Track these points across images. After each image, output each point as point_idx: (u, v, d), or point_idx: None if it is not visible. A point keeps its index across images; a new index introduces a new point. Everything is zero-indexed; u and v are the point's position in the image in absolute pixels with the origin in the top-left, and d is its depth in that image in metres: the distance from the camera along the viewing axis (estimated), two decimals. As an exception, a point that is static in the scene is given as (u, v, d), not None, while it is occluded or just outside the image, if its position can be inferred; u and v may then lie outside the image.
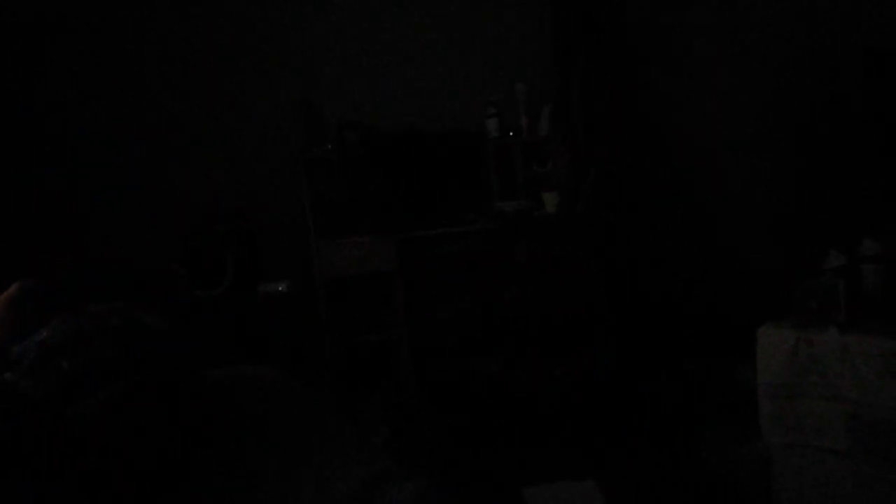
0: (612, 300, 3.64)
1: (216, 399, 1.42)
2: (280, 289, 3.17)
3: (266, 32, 3.55)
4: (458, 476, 2.51)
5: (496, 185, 3.79)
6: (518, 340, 3.59)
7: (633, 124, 3.84)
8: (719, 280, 3.65)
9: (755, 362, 2.22)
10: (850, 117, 3.03)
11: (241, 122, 3.52)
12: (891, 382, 1.94)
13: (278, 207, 3.55)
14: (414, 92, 3.81)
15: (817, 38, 3.22)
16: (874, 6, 3.01)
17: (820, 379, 2.09)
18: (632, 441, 2.80)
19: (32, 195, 3.18)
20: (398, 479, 1.04)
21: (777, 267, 3.15)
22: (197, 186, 3.43)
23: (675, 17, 3.74)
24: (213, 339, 2.49)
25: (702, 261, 3.74)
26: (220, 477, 1.08)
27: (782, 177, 3.44)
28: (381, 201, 3.50)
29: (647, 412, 3.07)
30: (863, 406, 2.01)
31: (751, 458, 2.42)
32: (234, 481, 1.06)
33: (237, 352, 2.64)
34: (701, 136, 3.74)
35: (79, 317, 1.24)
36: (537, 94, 3.87)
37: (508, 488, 2.43)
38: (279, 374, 1.73)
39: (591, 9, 3.81)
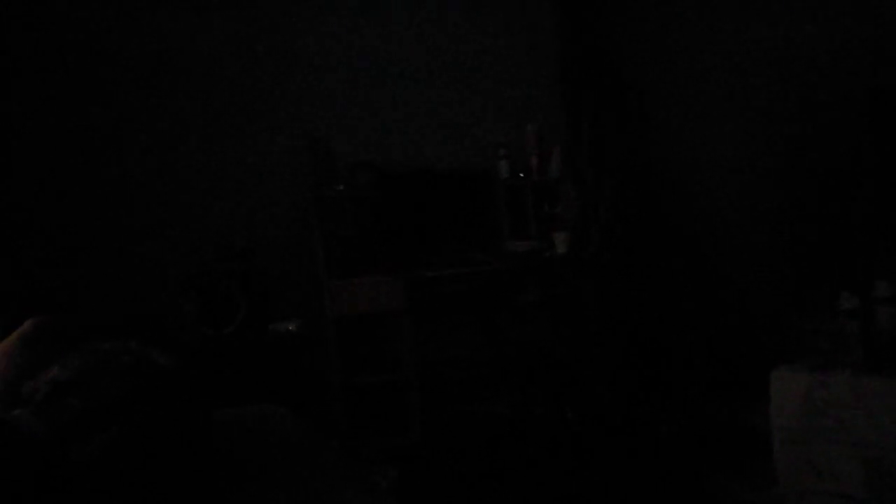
0: (622, 341, 3.62)
1: (223, 439, 1.41)
2: (290, 328, 3.17)
3: (277, 70, 3.61)
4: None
5: (507, 225, 3.81)
6: (527, 381, 3.56)
7: (639, 164, 3.86)
8: (728, 321, 3.62)
9: (767, 405, 2.19)
10: (859, 157, 3.04)
11: (252, 160, 3.56)
12: (908, 427, 1.91)
13: (288, 246, 3.57)
14: (425, 132, 3.86)
15: (823, 77, 3.25)
16: (879, 46, 3.04)
17: (835, 423, 2.06)
18: (643, 486, 2.75)
19: (42, 230, 3.21)
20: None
21: (784, 308, 3.13)
22: (206, 224, 3.46)
23: (680, 57, 3.80)
24: (221, 379, 2.48)
25: (709, 301, 3.71)
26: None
27: (789, 217, 3.44)
28: (391, 241, 3.52)
29: (657, 456, 3.02)
30: (880, 451, 1.97)
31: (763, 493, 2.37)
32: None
33: (245, 391, 2.63)
34: (707, 175, 3.76)
35: (89, 354, 1.25)
36: (548, 135, 3.91)
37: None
38: (286, 415, 1.72)
39: (596, 51, 3.87)
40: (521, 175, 3.83)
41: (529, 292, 3.60)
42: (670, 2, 3.84)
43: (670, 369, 3.56)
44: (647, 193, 3.85)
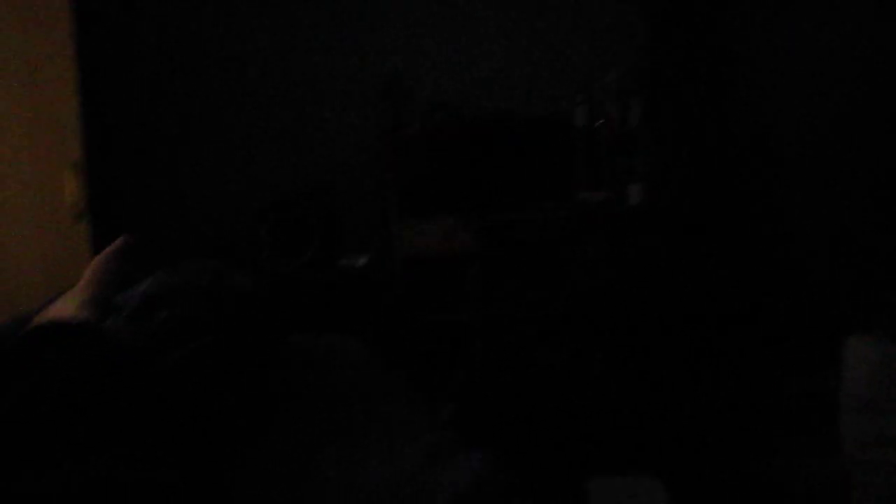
0: (692, 298, 3.55)
1: (296, 361, 1.48)
2: (359, 264, 3.24)
3: (359, 6, 3.61)
4: (521, 461, 2.52)
5: (581, 174, 3.75)
6: (591, 332, 3.55)
7: (722, 121, 3.71)
8: (804, 287, 3.50)
9: (836, 374, 2.13)
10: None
11: (332, 96, 3.61)
12: None
13: (362, 183, 3.63)
14: (503, 74, 3.80)
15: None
16: None
17: (910, 396, 1.99)
18: (701, 445, 2.74)
19: (135, 158, 3.36)
20: (463, 451, 1.06)
21: (864, 276, 3.00)
22: (284, 158, 3.55)
23: (773, 15, 3.58)
24: (292, 307, 2.58)
25: (785, 266, 3.59)
26: (294, 434, 1.13)
27: (868, 187, 3.27)
28: (463, 184, 3.52)
29: (718, 417, 2.99)
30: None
31: (828, 473, 2.33)
32: (308, 439, 1.11)
33: (314, 321, 2.73)
34: (788, 141, 3.59)
35: (176, 272, 1.32)
36: (629, 85, 3.78)
37: (571, 478, 2.43)
38: (356, 344, 1.79)
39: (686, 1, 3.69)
40: (599, 123, 3.74)
41: (599, 243, 3.56)
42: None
43: (739, 329, 3.48)
44: (727, 152, 3.71)
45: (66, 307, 1.38)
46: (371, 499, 0.94)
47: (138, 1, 3.35)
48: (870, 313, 2.28)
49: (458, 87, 3.74)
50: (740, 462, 2.58)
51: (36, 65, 2.49)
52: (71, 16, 2.53)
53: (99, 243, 2.55)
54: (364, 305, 3.23)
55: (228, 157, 3.50)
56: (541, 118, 3.71)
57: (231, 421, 1.02)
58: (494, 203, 3.50)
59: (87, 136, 2.58)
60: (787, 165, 3.64)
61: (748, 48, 3.67)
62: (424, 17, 3.70)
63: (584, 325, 3.57)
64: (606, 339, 3.54)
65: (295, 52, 3.55)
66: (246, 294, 1.24)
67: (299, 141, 3.58)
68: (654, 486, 2.45)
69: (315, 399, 1.31)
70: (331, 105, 3.61)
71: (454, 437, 1.16)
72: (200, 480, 0.60)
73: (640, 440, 2.80)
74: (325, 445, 1.09)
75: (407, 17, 3.68)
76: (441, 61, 3.73)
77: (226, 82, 3.47)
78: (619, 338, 3.55)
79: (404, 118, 3.55)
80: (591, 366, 3.52)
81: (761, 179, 3.71)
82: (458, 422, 2.78)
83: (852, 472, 2.14)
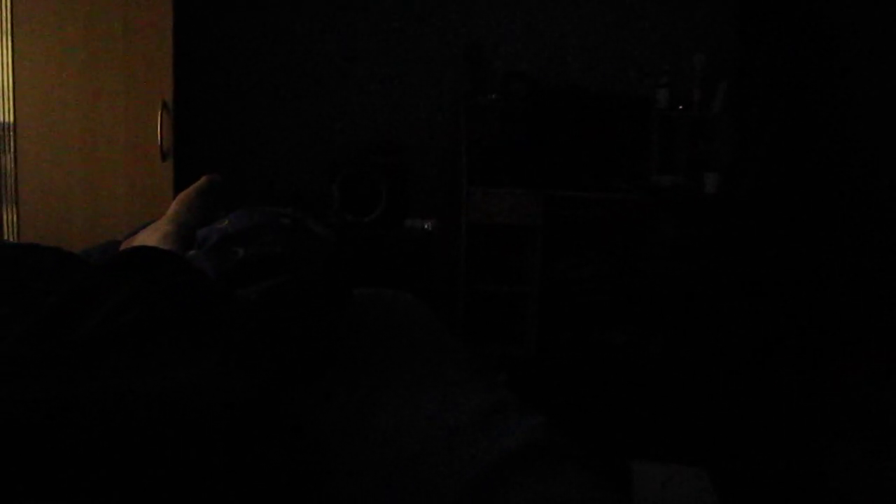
0: (761, 291, 3.46)
1: (359, 309, 1.53)
2: (425, 226, 3.28)
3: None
4: (567, 433, 2.53)
5: (656, 157, 3.67)
6: (650, 316, 3.51)
7: (813, 115, 3.55)
8: (881, 289, 3.35)
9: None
10: None
11: (410, 62, 3.62)
12: None
13: (435, 147, 3.65)
14: (584, 49, 3.74)
15: None
16: None
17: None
18: (754, 440, 2.69)
19: (227, 107, 3.46)
20: (518, 412, 1.08)
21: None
22: (358, 117, 3.60)
23: (873, 3, 3.39)
24: (358, 261, 2.64)
25: (863, 267, 3.44)
26: (355, 376, 1.18)
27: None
28: (535, 156, 3.50)
29: (776, 413, 2.92)
30: None
31: (885, 483, 2.26)
32: (367, 380, 1.15)
33: (377, 278, 2.78)
34: (882, 136, 3.41)
35: (255, 212, 1.38)
36: (715, 69, 3.67)
37: (617, 457, 2.43)
38: (417, 301, 1.82)
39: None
40: (681, 107, 3.64)
41: (669, 228, 3.50)
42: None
43: (807, 327, 3.38)
44: (814, 146, 3.56)
45: (150, 237, 1.45)
46: (423, 446, 0.97)
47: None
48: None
49: (538, 59, 3.70)
50: (792, 461, 2.53)
51: (135, 10, 2.59)
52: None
53: (180, 181, 2.66)
54: (427, 267, 3.27)
55: (307, 112, 3.57)
56: (620, 96, 3.64)
57: (300, 354, 1.07)
58: (565, 178, 3.47)
59: (178, 79, 2.67)
60: (879, 164, 3.47)
61: (844, 37, 3.49)
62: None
63: (646, 306, 3.53)
64: (667, 323, 3.50)
65: (379, 16, 3.57)
66: (321, 240, 1.28)
67: (377, 101, 3.62)
68: (699, 475, 2.43)
69: (375, 345, 1.35)
70: (411, 69, 3.63)
71: (509, 397, 1.18)
72: (274, 401, 0.64)
73: (691, 427, 2.77)
74: (383, 388, 1.13)
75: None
76: (522, 32, 3.69)
77: (313, 39, 3.53)
78: (681, 323, 3.50)
79: (482, 86, 3.54)
80: (649, 348, 3.48)
81: (849, 175, 3.56)
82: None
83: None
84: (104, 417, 0.49)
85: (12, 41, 2.53)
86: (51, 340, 0.73)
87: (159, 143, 2.65)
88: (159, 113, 2.65)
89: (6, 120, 2.56)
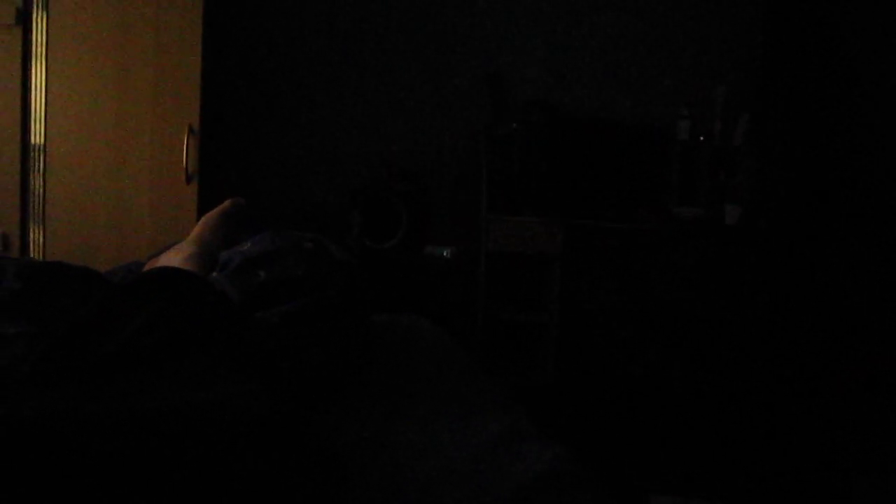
0: (783, 324, 3.41)
1: (378, 333, 1.53)
2: (444, 254, 3.29)
3: (460, 7, 3.65)
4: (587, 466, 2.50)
5: (676, 188, 3.66)
6: (669, 348, 3.47)
7: (838, 147, 3.53)
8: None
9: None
10: None
11: (430, 90, 3.66)
12: None
13: (454, 175, 3.67)
14: (604, 78, 3.76)
15: None
16: None
17: None
18: (775, 475, 2.63)
19: (247, 133, 3.52)
20: (537, 440, 1.07)
21: None
22: (380, 143, 3.63)
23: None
24: (377, 287, 2.64)
25: (889, 300, 3.39)
26: (374, 399, 1.17)
27: None
28: (554, 184, 3.51)
29: (798, 448, 2.86)
30: None
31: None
32: (386, 404, 1.15)
33: (396, 304, 2.79)
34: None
35: (277, 236, 1.39)
36: (737, 100, 3.67)
37: (636, 491, 2.39)
38: (435, 327, 1.82)
39: (808, 20, 3.53)
40: (702, 138, 3.64)
41: (689, 260, 3.47)
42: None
43: (832, 360, 3.32)
44: (841, 176, 3.53)
45: (173, 258, 1.47)
46: (442, 472, 0.97)
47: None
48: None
49: (559, 88, 3.72)
50: (817, 498, 2.47)
51: (165, 35, 2.66)
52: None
53: (204, 203, 2.70)
54: (445, 295, 3.27)
55: (330, 137, 3.61)
56: (640, 127, 3.65)
57: (319, 376, 1.07)
58: (585, 207, 3.47)
59: (204, 104, 2.72)
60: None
61: (870, 69, 3.48)
62: (529, 19, 3.70)
63: (666, 338, 3.49)
64: (687, 356, 3.45)
65: (401, 45, 3.62)
66: (342, 264, 1.29)
67: (399, 129, 3.66)
68: (720, 512, 2.37)
69: (394, 369, 1.34)
70: (432, 97, 3.67)
71: (527, 426, 1.17)
72: (295, 420, 0.64)
73: (711, 461, 2.72)
74: (402, 412, 1.13)
75: (512, 17, 3.69)
76: (543, 61, 3.73)
77: (336, 68, 3.59)
78: (701, 356, 3.45)
79: (502, 115, 3.57)
80: (668, 380, 3.44)
81: (875, 208, 3.52)
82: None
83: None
84: (128, 433, 0.49)
85: (47, 65, 2.60)
86: (75, 357, 0.74)
87: (184, 166, 2.70)
88: (185, 137, 2.69)
89: (37, 142, 2.62)
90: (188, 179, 2.71)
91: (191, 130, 2.70)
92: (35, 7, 2.58)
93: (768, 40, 3.69)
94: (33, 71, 2.60)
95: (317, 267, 1.24)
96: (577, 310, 3.52)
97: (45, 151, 2.63)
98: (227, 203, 1.63)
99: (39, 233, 2.66)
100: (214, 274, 1.34)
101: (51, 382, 0.71)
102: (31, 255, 2.63)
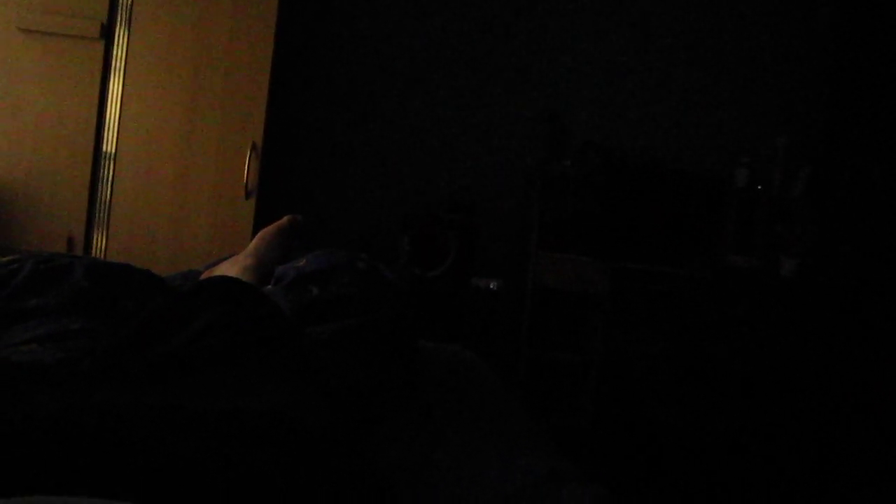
0: (835, 386, 3.28)
1: (424, 361, 1.53)
2: (491, 286, 3.28)
3: (523, 45, 3.69)
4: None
5: (731, 236, 3.60)
6: (713, 401, 3.37)
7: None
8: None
9: None
10: None
11: (486, 123, 3.69)
12: None
13: (505, 209, 3.67)
14: (662, 122, 3.74)
15: None
16: None
17: None
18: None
19: (307, 155, 3.61)
20: (577, 481, 1.05)
21: None
22: (435, 173, 3.67)
23: None
24: (423, 316, 2.65)
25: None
26: (417, 427, 1.17)
27: None
28: (606, 226, 3.48)
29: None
30: None
31: None
32: (428, 433, 1.14)
33: (441, 333, 2.78)
34: None
35: (333, 255, 1.41)
36: (798, 152, 3.60)
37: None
38: (479, 360, 1.81)
39: (877, 73, 3.46)
40: (759, 187, 3.57)
41: (739, 310, 3.39)
42: None
43: (888, 435, 3.17)
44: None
45: (230, 269, 1.50)
46: (480, 504, 0.95)
47: (336, 16, 3.62)
48: None
49: (616, 130, 3.71)
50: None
51: (236, 56, 2.76)
52: (275, 19, 2.77)
53: (260, 218, 2.76)
54: (489, 328, 3.26)
55: (386, 163, 3.67)
56: (697, 173, 3.61)
57: (364, 394, 1.07)
58: (635, 251, 3.43)
59: (269, 124, 2.80)
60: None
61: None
62: (590, 61, 3.72)
63: (710, 391, 3.40)
64: (729, 409, 3.35)
65: (463, 79, 3.68)
66: (393, 286, 1.30)
67: (454, 160, 3.69)
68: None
69: (437, 398, 1.34)
70: (488, 132, 3.70)
71: (570, 466, 1.15)
72: (347, 433, 0.64)
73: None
74: (444, 443, 1.12)
75: (573, 59, 3.71)
76: (603, 103, 3.73)
77: (398, 96, 3.66)
78: (746, 409, 3.34)
79: (558, 153, 3.57)
80: (710, 434, 3.34)
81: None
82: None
83: None
84: (187, 430, 0.50)
85: (124, 78, 2.71)
86: (135, 355, 0.76)
87: (245, 181, 2.77)
88: (248, 153, 2.77)
89: (109, 150, 2.73)
90: (247, 195, 2.78)
91: (253, 147, 2.78)
92: (118, 23, 2.71)
93: (835, 92, 3.63)
94: (111, 83, 2.72)
95: (369, 287, 1.25)
96: (621, 353, 3.46)
97: (115, 160, 2.73)
98: (284, 219, 1.67)
99: (103, 237, 2.76)
100: (269, 287, 1.37)
101: (111, 378, 0.73)
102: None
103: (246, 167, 2.77)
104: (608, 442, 3.32)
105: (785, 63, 3.75)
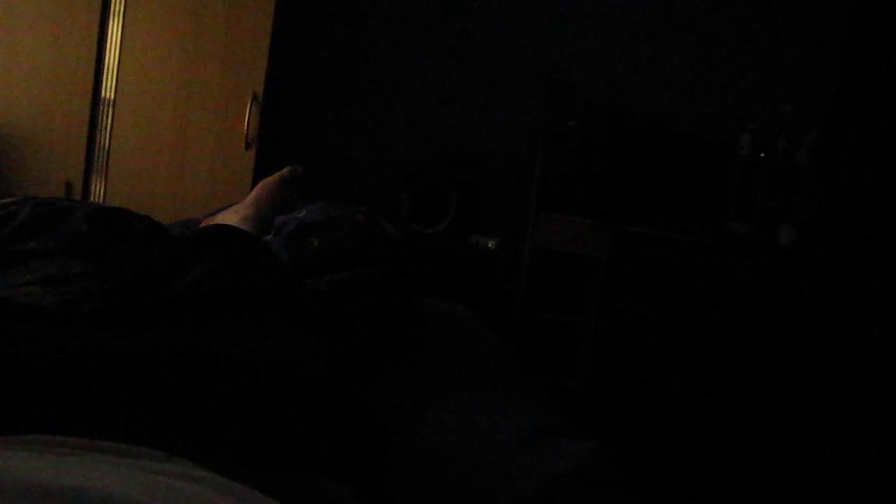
0: (830, 351, 3.32)
1: (422, 315, 1.54)
2: (489, 245, 3.28)
3: (532, 5, 3.62)
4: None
5: (732, 203, 3.59)
6: (709, 364, 3.41)
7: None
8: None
9: None
10: None
11: (491, 81, 3.65)
12: None
13: (507, 168, 3.65)
14: (669, 85, 3.69)
15: None
16: None
17: None
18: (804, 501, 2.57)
19: (310, 105, 3.57)
20: (569, 435, 1.06)
21: None
22: (437, 130, 3.64)
23: None
24: (420, 272, 2.65)
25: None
26: (412, 379, 1.18)
27: None
28: (608, 188, 3.47)
29: (833, 479, 2.79)
30: None
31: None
32: (423, 385, 1.16)
33: (438, 289, 2.80)
34: None
35: (332, 207, 1.41)
36: (803, 119, 3.57)
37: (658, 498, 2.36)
38: (476, 316, 1.82)
39: (889, 45, 3.41)
40: (762, 154, 3.55)
41: (736, 276, 3.40)
42: None
43: (880, 401, 3.22)
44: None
45: (230, 218, 1.50)
46: (473, 459, 0.97)
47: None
48: None
49: (621, 91, 3.67)
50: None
51: (238, 4, 2.70)
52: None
53: (260, 169, 2.74)
54: (487, 286, 3.27)
55: (389, 117, 3.63)
56: (701, 137, 3.58)
57: (362, 348, 1.08)
58: (636, 214, 3.42)
59: (270, 74, 2.76)
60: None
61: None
62: (599, 22, 3.65)
63: (706, 355, 3.43)
64: (725, 376, 3.39)
65: (469, 34, 3.62)
66: (392, 239, 1.30)
67: (457, 117, 3.66)
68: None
69: (432, 352, 1.35)
70: (493, 90, 3.66)
71: (561, 420, 1.17)
72: (349, 380, 0.65)
73: (738, 483, 2.67)
74: (437, 396, 1.13)
75: (581, 19, 3.65)
76: (608, 63, 3.68)
77: (403, 50, 3.60)
78: (741, 378, 3.38)
79: (562, 113, 3.53)
80: (704, 398, 3.38)
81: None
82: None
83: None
84: (191, 372, 0.50)
85: (124, 22, 2.66)
86: (136, 299, 0.76)
87: (245, 131, 2.75)
88: (249, 104, 2.74)
89: (108, 96, 2.69)
90: (248, 145, 2.76)
91: (254, 97, 2.74)
92: (118, -35, 2.65)
93: (844, 61, 3.58)
94: (110, 27, 2.67)
95: (368, 240, 1.25)
96: (617, 316, 3.48)
97: (114, 106, 2.70)
98: (285, 170, 1.66)
99: (101, 184, 2.74)
100: (269, 237, 1.36)
101: (112, 320, 0.73)
102: (92, 205, 2.71)
103: (247, 117, 2.74)
104: (601, 403, 3.36)
105: (794, 31, 3.69)
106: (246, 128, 2.74)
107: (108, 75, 2.68)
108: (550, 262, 3.55)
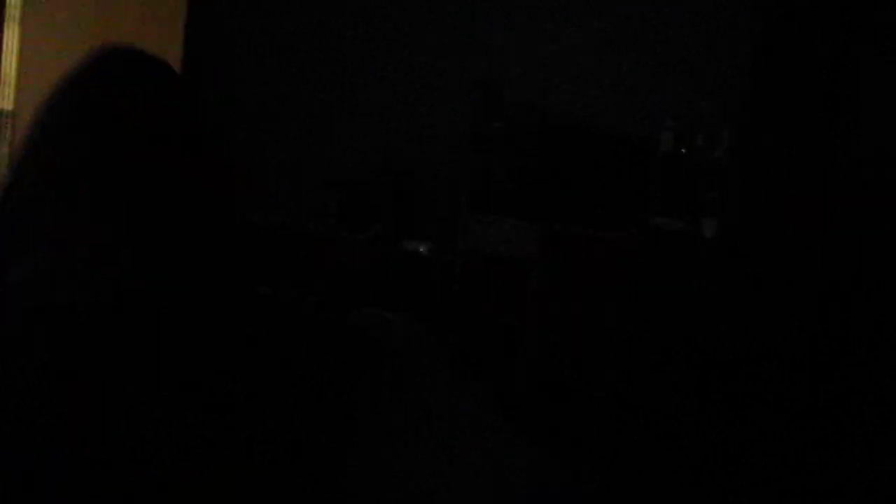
0: (755, 341, 3.42)
1: (352, 332, 1.47)
2: (420, 250, 3.24)
3: (458, 9, 3.63)
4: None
5: (657, 200, 3.66)
6: (648, 362, 3.46)
7: (830, 164, 3.55)
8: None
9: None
10: None
11: (421, 85, 3.63)
12: None
13: (438, 173, 3.63)
14: (592, 86, 3.75)
15: None
16: None
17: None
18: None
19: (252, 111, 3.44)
20: (521, 447, 1.03)
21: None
22: (366, 136, 3.59)
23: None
24: (351, 281, 2.59)
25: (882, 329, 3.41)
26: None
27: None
28: (537, 189, 3.48)
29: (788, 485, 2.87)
30: None
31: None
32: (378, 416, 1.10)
33: (370, 298, 2.73)
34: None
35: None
36: (721, 115, 3.69)
37: None
38: (412, 323, 1.77)
39: (800, 39, 3.55)
40: (683, 151, 3.64)
41: (666, 271, 3.47)
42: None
43: (808, 388, 3.33)
44: (831, 193, 3.54)
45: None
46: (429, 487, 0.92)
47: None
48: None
49: (549, 95, 3.70)
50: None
51: (148, 6, 2.58)
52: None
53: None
54: (420, 292, 3.23)
55: (316, 127, 3.56)
56: (624, 136, 3.65)
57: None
58: (564, 213, 3.45)
59: (187, 77, 2.64)
60: None
61: (870, 84, 3.50)
62: (523, 24, 3.69)
63: (644, 352, 3.48)
64: (664, 369, 3.44)
65: (397, 42, 3.60)
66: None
67: (386, 122, 3.62)
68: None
69: (368, 367, 1.29)
70: (423, 93, 3.64)
71: (519, 439, 1.13)
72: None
73: (680, 481, 2.71)
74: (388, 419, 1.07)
75: (506, 22, 3.68)
76: (532, 66, 3.71)
77: (331, 58, 3.55)
78: (678, 370, 3.44)
79: (490, 116, 3.53)
80: (645, 396, 3.42)
81: (863, 237, 3.54)
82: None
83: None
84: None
85: (22, 29, 2.50)
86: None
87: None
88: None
89: (5, 107, 2.52)
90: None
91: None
92: (12, -33, 2.48)
93: (758, 57, 3.71)
94: (7, 34, 2.50)
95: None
96: (552, 317, 3.49)
97: (13, 118, 2.53)
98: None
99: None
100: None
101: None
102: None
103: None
104: (543, 407, 3.36)
105: (708, 30, 3.81)
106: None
107: (5, 85, 2.51)
108: (487, 265, 3.53)
